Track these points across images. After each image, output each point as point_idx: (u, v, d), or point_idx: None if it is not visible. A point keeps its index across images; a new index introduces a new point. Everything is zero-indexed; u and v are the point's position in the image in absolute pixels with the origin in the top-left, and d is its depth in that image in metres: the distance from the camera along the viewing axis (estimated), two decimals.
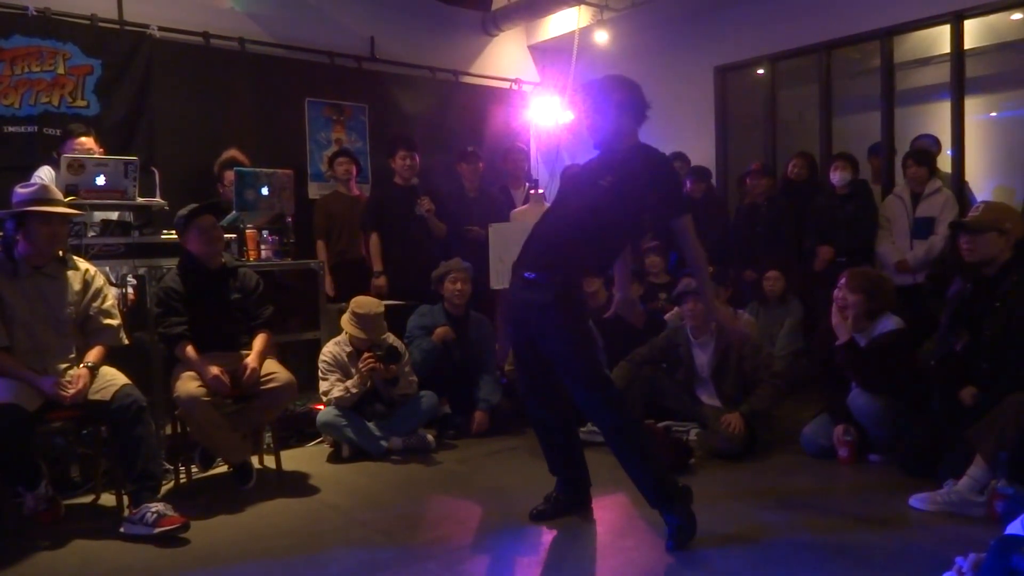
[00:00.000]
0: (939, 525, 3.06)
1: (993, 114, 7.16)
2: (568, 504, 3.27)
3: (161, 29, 5.70)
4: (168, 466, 3.85)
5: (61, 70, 5.33)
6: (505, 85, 7.75)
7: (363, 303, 4.39)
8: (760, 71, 6.88)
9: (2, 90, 5.12)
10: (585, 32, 7.12)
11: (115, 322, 3.52)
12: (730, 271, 5.58)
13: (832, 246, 5.45)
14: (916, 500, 3.23)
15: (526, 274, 3.05)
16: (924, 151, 5.43)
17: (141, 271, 4.08)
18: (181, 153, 5.64)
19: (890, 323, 3.93)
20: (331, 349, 4.38)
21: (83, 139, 4.60)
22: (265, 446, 4.16)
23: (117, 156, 4.30)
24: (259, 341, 3.86)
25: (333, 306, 4.81)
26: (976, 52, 5.98)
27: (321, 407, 4.38)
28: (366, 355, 4.24)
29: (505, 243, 4.78)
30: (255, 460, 3.97)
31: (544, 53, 8.03)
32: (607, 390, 3.01)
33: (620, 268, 3.45)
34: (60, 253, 3.42)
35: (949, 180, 5.57)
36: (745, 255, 5.81)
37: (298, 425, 4.58)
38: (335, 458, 4.27)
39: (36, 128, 5.23)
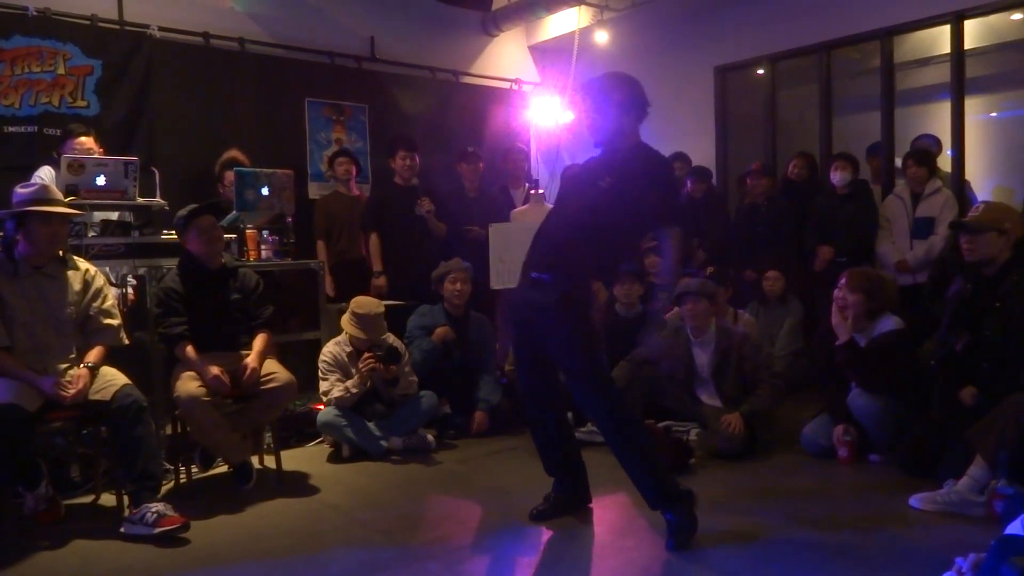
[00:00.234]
0: (939, 525, 3.06)
1: (993, 114, 7.17)
2: (567, 504, 3.27)
3: (161, 29, 5.70)
4: (168, 466, 3.85)
5: (61, 70, 5.33)
6: (505, 85, 7.75)
7: (363, 303, 4.39)
8: (760, 71, 6.88)
9: (2, 90, 5.12)
10: (585, 32, 7.12)
11: (115, 322, 3.52)
12: (730, 271, 5.58)
13: (832, 246, 5.46)
14: (916, 500, 3.23)
15: (533, 274, 3.05)
16: (924, 151, 5.43)
17: (141, 271, 4.08)
18: (181, 153, 5.64)
19: (890, 323, 3.94)
20: (331, 349, 4.38)
21: (83, 139, 4.60)
22: (265, 446, 4.16)
23: (117, 156, 4.30)
24: (259, 341, 3.86)
25: (333, 306, 4.81)
26: (976, 52, 5.98)
27: (321, 407, 4.38)
28: (366, 355, 4.24)
29: (505, 243, 4.78)
30: (255, 460, 3.97)
31: (544, 53, 8.03)
32: (608, 390, 3.01)
33: None
34: (60, 253, 3.42)
35: (949, 180, 5.57)
36: (745, 255, 5.81)
37: (298, 425, 4.58)
38: (335, 458, 4.27)
39: (36, 128, 5.23)
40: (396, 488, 3.79)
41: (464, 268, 4.86)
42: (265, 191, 4.60)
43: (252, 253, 4.49)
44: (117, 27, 5.59)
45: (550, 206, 4.16)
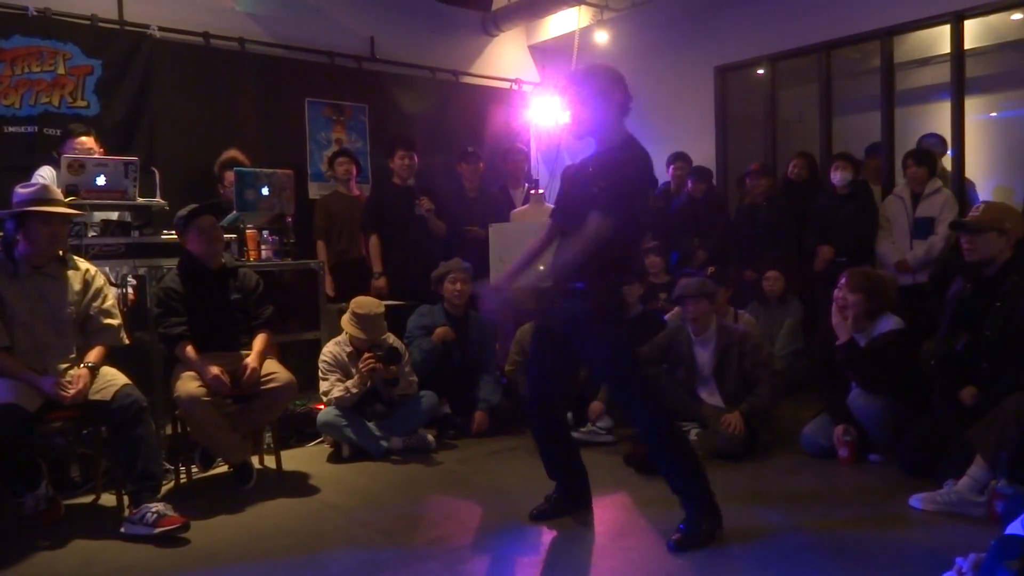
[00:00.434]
0: (939, 525, 3.06)
1: (993, 114, 7.17)
2: (568, 504, 3.27)
3: (161, 29, 5.70)
4: (168, 466, 3.85)
5: (61, 70, 5.33)
6: (505, 85, 7.75)
7: (363, 303, 4.39)
8: (760, 71, 6.87)
9: (2, 90, 5.12)
10: (585, 32, 7.12)
11: (115, 322, 3.52)
12: (730, 271, 5.58)
13: (832, 246, 5.46)
14: (916, 500, 3.23)
15: (570, 284, 2.93)
16: (924, 151, 5.43)
17: (141, 271, 4.08)
18: (181, 153, 5.64)
19: (890, 323, 3.94)
20: (331, 349, 4.38)
21: (83, 139, 4.60)
22: (265, 446, 4.16)
23: (117, 156, 4.30)
24: (259, 341, 3.86)
25: (333, 306, 4.81)
26: (976, 52, 5.98)
27: (321, 407, 4.38)
28: (366, 355, 4.23)
29: (505, 243, 4.79)
30: (255, 460, 3.97)
31: (544, 53, 8.04)
32: (655, 400, 3.01)
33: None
34: (60, 253, 3.42)
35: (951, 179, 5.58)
36: (745, 255, 5.81)
37: (298, 425, 4.58)
38: (335, 458, 4.27)
39: (36, 128, 5.23)
40: (396, 488, 3.79)
41: (464, 268, 4.86)
42: (265, 191, 4.60)
43: (252, 253, 4.49)
44: (117, 27, 5.59)
45: (550, 206, 4.16)
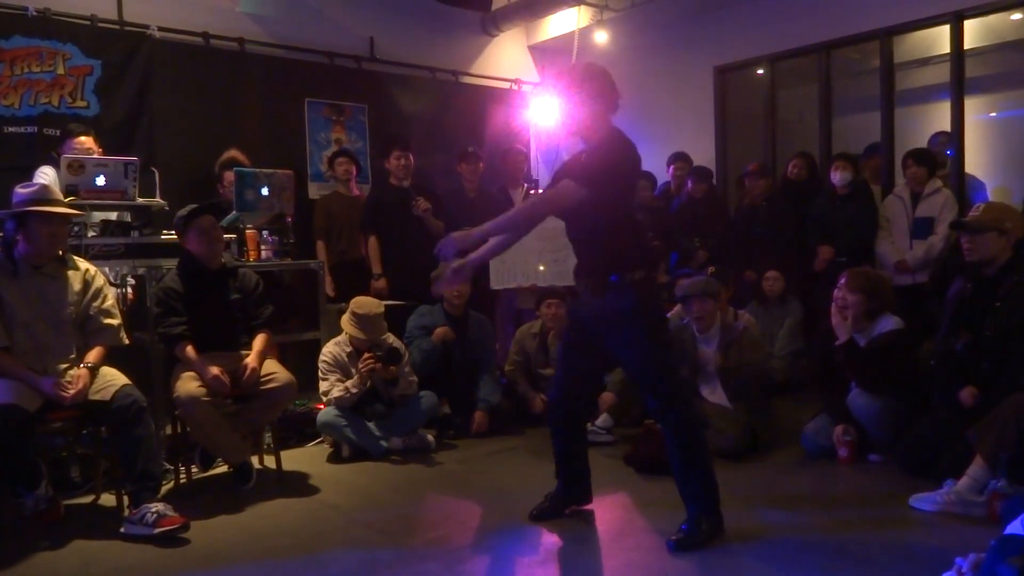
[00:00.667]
0: (939, 525, 3.06)
1: (993, 114, 7.16)
2: (568, 504, 3.27)
3: (161, 29, 5.69)
4: (168, 466, 3.85)
5: (61, 70, 5.32)
6: (505, 85, 7.74)
7: (363, 303, 4.39)
8: (760, 71, 6.87)
9: (2, 90, 5.12)
10: (585, 32, 7.11)
11: (115, 322, 3.52)
12: (730, 271, 5.58)
13: (832, 246, 5.46)
14: (916, 500, 3.23)
15: (610, 277, 2.90)
16: (924, 151, 5.43)
17: (141, 271, 4.08)
18: (181, 153, 5.63)
19: (890, 323, 3.94)
20: (331, 349, 4.38)
21: (82, 139, 4.60)
22: (265, 446, 4.16)
23: (117, 156, 4.30)
24: (259, 341, 3.86)
25: (333, 306, 4.81)
26: (976, 52, 5.98)
27: (321, 407, 4.38)
28: (366, 356, 4.24)
29: None
30: (255, 460, 3.97)
31: (544, 53, 8.03)
32: (686, 404, 3.00)
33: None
34: (60, 253, 3.42)
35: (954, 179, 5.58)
36: (745, 255, 5.81)
37: (298, 425, 4.58)
38: (335, 458, 4.27)
39: (36, 128, 5.22)
40: (396, 488, 3.79)
41: None
42: (265, 191, 4.60)
43: (252, 253, 4.49)
44: (117, 27, 5.58)
45: None
